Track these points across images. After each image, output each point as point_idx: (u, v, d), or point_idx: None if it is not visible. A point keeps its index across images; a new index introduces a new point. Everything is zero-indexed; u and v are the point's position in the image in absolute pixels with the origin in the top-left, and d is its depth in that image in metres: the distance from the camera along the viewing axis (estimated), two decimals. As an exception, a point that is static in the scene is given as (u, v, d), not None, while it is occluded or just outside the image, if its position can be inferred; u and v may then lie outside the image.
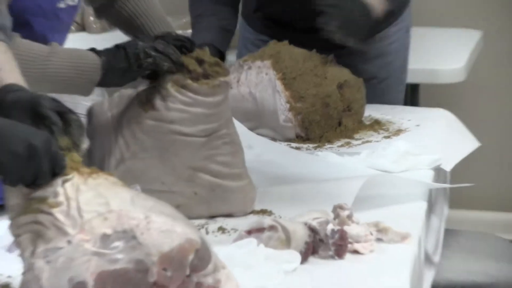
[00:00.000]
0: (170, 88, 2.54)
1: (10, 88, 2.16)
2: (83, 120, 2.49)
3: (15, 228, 1.94)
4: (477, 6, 5.17)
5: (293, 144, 3.30)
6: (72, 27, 3.59)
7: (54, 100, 2.12)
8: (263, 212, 2.64)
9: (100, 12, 3.14)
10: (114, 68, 2.65)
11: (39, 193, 1.93)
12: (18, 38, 2.58)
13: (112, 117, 2.66)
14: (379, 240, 2.42)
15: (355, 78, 3.41)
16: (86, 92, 2.71)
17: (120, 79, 2.68)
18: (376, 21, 3.42)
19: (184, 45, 2.68)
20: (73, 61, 2.68)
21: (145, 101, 2.58)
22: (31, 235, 1.94)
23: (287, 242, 2.33)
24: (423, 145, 3.23)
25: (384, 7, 3.45)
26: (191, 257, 1.82)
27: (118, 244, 1.83)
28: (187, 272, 1.82)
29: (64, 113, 2.07)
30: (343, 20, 2.97)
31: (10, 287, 2.11)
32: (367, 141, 3.33)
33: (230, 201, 2.62)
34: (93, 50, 2.71)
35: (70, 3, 2.90)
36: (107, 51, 2.68)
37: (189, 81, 2.56)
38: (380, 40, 3.79)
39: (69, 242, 1.84)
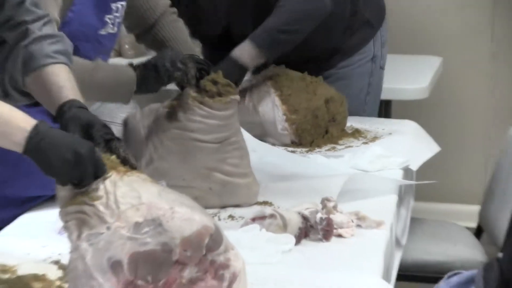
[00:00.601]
0: (191, 103, 2.56)
1: (73, 104, 2.16)
2: (120, 128, 2.66)
3: (63, 216, 1.96)
4: (438, 37, 5.13)
5: (289, 148, 3.27)
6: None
7: (105, 126, 2.13)
8: (265, 203, 2.66)
9: (139, 37, 3.18)
10: (147, 78, 2.67)
11: (84, 188, 1.95)
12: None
13: (143, 126, 2.66)
14: (358, 226, 2.44)
15: (339, 95, 3.39)
16: (125, 100, 2.74)
17: (152, 87, 2.69)
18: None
19: (203, 68, 2.69)
20: (114, 73, 2.74)
21: (170, 114, 2.60)
22: (77, 222, 1.95)
23: (284, 227, 2.36)
24: (394, 149, 3.22)
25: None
26: (206, 240, 1.85)
27: (148, 230, 1.86)
28: (203, 252, 1.84)
29: (110, 140, 2.07)
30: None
31: (60, 263, 2.11)
32: (349, 146, 3.31)
33: (238, 195, 2.65)
34: (130, 64, 2.75)
35: (110, 31, 2.90)
36: (141, 65, 2.71)
37: (206, 98, 2.58)
38: (342, 67, 3.76)
39: (108, 228, 1.89)
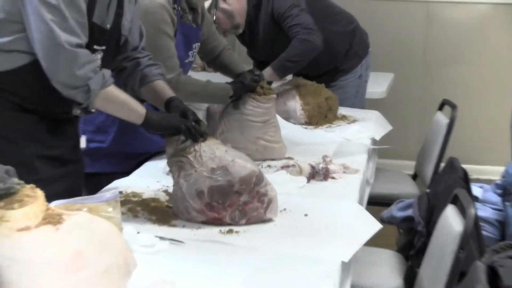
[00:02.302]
0: (247, 99, 2.57)
1: (174, 99, 2.19)
2: (203, 112, 2.68)
3: (169, 164, 2.02)
4: (390, 57, 4.96)
5: (303, 126, 3.18)
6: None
7: (193, 112, 2.13)
8: (289, 158, 2.61)
9: (208, 64, 3.07)
10: (238, 89, 2.61)
11: (183, 146, 1.97)
12: (182, 75, 2.61)
13: (218, 112, 2.64)
14: (344, 172, 2.46)
15: (334, 95, 3.30)
16: (224, 102, 2.68)
17: (240, 93, 2.62)
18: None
19: (258, 78, 2.64)
20: (220, 87, 2.65)
21: (234, 105, 2.59)
22: (177, 167, 2.00)
23: (300, 172, 2.42)
24: (365, 127, 3.19)
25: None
26: (254, 179, 1.89)
27: (219, 172, 1.91)
28: (252, 186, 1.89)
29: (197, 120, 2.07)
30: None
31: (168, 191, 2.12)
32: (339, 125, 3.23)
33: (273, 153, 2.61)
34: (227, 82, 2.68)
35: (190, 59, 2.84)
36: (233, 82, 2.66)
37: (257, 96, 2.56)
38: (340, 80, 3.63)
39: (195, 171, 1.93)
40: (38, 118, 1.96)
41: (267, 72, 3.15)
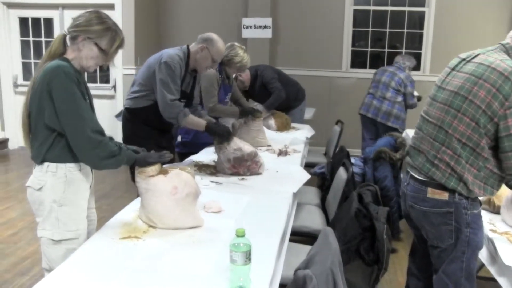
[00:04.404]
0: (250, 120, 2.96)
1: (210, 120, 2.29)
2: (229, 125, 2.79)
3: (216, 148, 2.28)
4: (314, 101, 5.26)
5: (275, 132, 3.61)
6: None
7: (224, 125, 2.24)
8: (269, 146, 2.99)
9: (234, 102, 3.29)
10: (244, 114, 2.92)
11: (221, 139, 2.21)
12: (217, 104, 2.91)
13: (238, 125, 2.93)
14: (294, 152, 2.88)
15: (289, 117, 3.77)
16: (236, 117, 2.95)
17: (245, 116, 2.90)
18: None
19: (258, 111, 3.00)
20: (233, 110, 2.99)
21: (245, 122, 2.96)
22: (219, 148, 2.16)
23: (274, 152, 2.78)
24: (303, 132, 3.61)
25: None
26: (253, 154, 2.23)
27: (237, 151, 2.21)
28: (252, 157, 2.21)
29: (228, 130, 2.23)
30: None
31: (214, 160, 2.25)
32: (291, 131, 3.66)
33: (262, 143, 2.99)
34: (239, 109, 2.96)
35: (226, 101, 3.17)
36: (241, 109, 2.97)
37: (255, 118, 2.96)
38: (292, 111, 4.03)
39: (226, 149, 2.17)
40: (153, 129, 2.49)
41: (262, 107, 3.61)
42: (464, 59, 1.63)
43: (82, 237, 1.54)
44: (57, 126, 1.47)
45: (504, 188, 1.70)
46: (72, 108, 1.43)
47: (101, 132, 1.48)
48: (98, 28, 1.53)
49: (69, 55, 1.55)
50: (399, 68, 4.13)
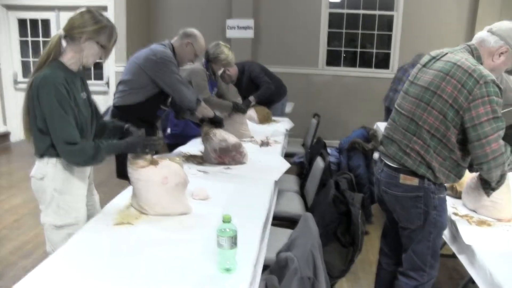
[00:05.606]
0: (235, 114, 2.95)
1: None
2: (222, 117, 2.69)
3: (203, 138, 2.21)
4: (294, 97, 5.19)
5: (257, 124, 3.55)
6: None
7: (216, 115, 2.27)
8: (252, 137, 2.95)
9: (218, 97, 3.16)
10: (235, 108, 2.91)
11: (209, 129, 2.17)
12: (211, 96, 2.87)
13: (224, 118, 2.82)
14: (274, 143, 2.85)
15: (270, 111, 3.75)
16: (229, 112, 2.93)
17: (237, 111, 2.90)
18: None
19: (242, 106, 2.98)
20: (227, 104, 2.93)
21: (230, 116, 2.94)
22: (206, 139, 2.10)
23: (257, 143, 2.74)
24: (283, 124, 3.58)
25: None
26: (237, 145, 2.20)
27: (223, 142, 2.16)
28: (236, 148, 2.18)
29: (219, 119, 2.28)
30: None
31: (202, 151, 2.21)
32: (272, 124, 3.62)
33: (245, 135, 2.94)
34: (232, 102, 2.94)
35: (213, 95, 3.08)
36: (234, 104, 2.94)
37: (240, 113, 2.92)
38: (274, 105, 4.03)
39: (213, 140, 2.10)
40: (142, 122, 2.28)
41: (251, 98, 3.60)
42: (434, 57, 1.65)
43: (81, 222, 1.55)
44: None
45: (466, 175, 1.72)
46: (49, 121, 1.43)
47: (73, 142, 1.45)
48: (95, 27, 1.51)
49: (67, 55, 1.53)
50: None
